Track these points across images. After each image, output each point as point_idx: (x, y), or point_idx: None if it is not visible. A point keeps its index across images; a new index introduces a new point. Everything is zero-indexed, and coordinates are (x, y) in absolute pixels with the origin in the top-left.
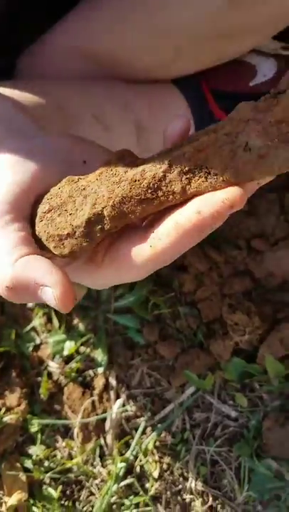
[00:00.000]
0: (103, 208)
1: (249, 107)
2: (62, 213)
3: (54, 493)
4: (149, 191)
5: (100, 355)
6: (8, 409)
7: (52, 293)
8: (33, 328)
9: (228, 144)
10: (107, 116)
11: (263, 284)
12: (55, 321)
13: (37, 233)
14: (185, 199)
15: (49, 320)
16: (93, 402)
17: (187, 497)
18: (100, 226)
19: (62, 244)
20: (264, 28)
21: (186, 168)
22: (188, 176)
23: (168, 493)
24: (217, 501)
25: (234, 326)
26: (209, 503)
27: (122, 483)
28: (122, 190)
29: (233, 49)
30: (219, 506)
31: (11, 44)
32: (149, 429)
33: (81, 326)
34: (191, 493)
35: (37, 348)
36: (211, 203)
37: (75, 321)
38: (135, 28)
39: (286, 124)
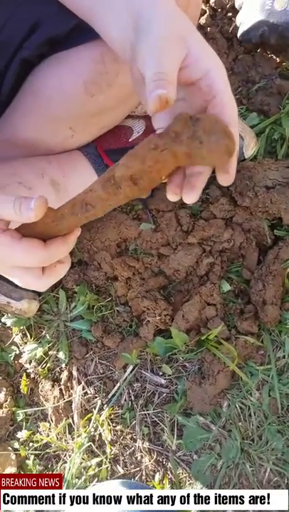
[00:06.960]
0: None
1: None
2: None
3: (36, 466)
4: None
5: (63, 354)
6: (0, 406)
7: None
8: (13, 343)
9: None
10: (29, 182)
11: (173, 279)
12: (29, 335)
13: None
14: None
15: (24, 335)
16: (61, 391)
17: (138, 455)
18: None
19: None
20: (127, 101)
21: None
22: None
23: (124, 455)
24: (162, 456)
25: (147, 310)
26: (155, 458)
27: (84, 447)
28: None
29: (111, 119)
30: (164, 460)
31: None
32: (105, 405)
33: (48, 335)
34: (141, 452)
35: (17, 357)
36: None
37: (43, 332)
38: (39, 118)
39: None
